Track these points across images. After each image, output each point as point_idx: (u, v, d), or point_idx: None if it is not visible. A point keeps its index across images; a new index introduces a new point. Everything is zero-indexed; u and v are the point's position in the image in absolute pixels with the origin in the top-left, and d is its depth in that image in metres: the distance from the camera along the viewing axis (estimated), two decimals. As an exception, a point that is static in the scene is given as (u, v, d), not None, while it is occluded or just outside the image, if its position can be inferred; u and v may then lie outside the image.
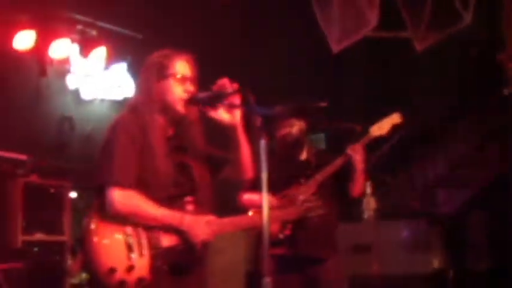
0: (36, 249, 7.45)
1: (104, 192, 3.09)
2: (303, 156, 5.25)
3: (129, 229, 3.08)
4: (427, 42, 7.09)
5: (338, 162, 5.03)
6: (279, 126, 5.12)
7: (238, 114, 3.36)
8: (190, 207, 3.27)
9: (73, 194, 8.05)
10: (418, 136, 7.74)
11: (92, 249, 3.01)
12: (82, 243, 3.05)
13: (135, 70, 8.88)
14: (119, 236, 3.07)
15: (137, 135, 3.20)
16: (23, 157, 6.63)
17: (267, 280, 2.97)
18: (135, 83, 8.80)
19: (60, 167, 8.05)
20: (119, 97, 8.96)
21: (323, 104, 5.10)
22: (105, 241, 3.04)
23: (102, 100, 8.98)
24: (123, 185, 3.09)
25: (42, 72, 8.34)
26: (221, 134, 3.44)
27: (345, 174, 5.07)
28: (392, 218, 7.61)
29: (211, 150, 3.50)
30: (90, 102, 8.93)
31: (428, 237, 7.77)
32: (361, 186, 5.11)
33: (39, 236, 7.55)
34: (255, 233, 5.50)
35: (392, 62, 8.33)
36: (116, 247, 3.04)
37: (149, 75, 3.38)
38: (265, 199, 3.00)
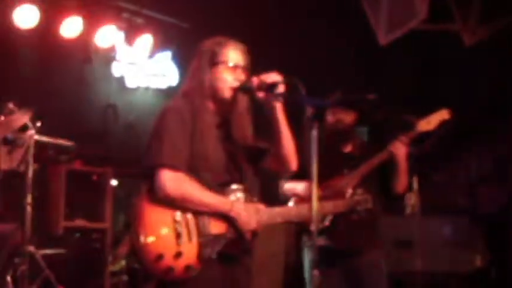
0: (77, 235, 7.50)
1: (153, 175, 3.07)
2: (349, 147, 5.20)
3: (177, 215, 3.06)
4: (477, 37, 6.98)
5: (382, 156, 4.96)
6: (330, 113, 5.08)
7: (284, 105, 3.32)
8: (239, 194, 3.23)
9: (114, 182, 8.08)
10: (463, 132, 7.62)
11: (139, 234, 2.99)
12: (129, 228, 3.03)
13: (180, 59, 8.88)
14: (167, 222, 3.04)
15: (188, 120, 3.18)
16: (66, 143, 6.65)
17: (315, 272, 2.92)
18: (182, 70, 8.83)
19: (102, 154, 8.09)
20: (163, 86, 8.97)
21: (372, 97, 5.04)
22: (153, 227, 3.02)
23: (146, 88, 8.99)
24: (173, 167, 3.07)
25: (88, 59, 8.38)
26: (265, 124, 3.41)
27: (388, 169, 5.00)
28: (435, 214, 7.52)
29: (256, 139, 3.46)
30: (134, 90, 8.95)
31: (471, 235, 7.67)
32: (404, 182, 5.04)
33: (80, 223, 7.61)
34: (294, 224, 5.47)
35: (439, 56, 8.20)
36: (164, 233, 3.02)
37: (201, 62, 3.36)
38: (314, 191, 2.96)
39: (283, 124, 3.33)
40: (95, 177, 7.82)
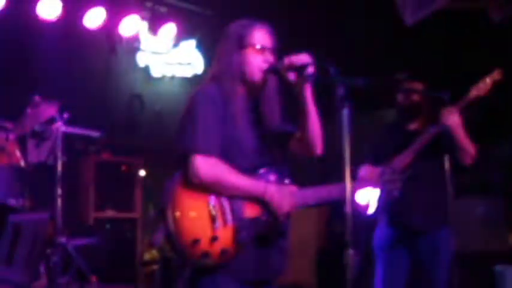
0: (108, 225, 7.54)
1: (187, 160, 3.05)
2: (415, 124, 5.10)
3: (212, 199, 3.04)
4: (505, 13, 6.85)
5: (433, 130, 4.84)
6: (399, 91, 5.04)
7: (313, 87, 3.27)
8: (272, 177, 3.21)
9: (142, 172, 8.10)
10: (497, 109, 7.51)
11: (174, 220, 2.96)
12: (164, 214, 3.00)
13: (204, 47, 8.86)
14: (202, 207, 3.01)
15: (219, 104, 3.15)
16: (95, 134, 6.66)
17: (350, 252, 2.88)
18: (207, 58, 8.82)
19: (131, 145, 8.11)
20: (188, 74, 8.95)
21: (403, 77, 4.97)
22: (188, 212, 2.99)
23: (172, 77, 8.98)
24: (207, 152, 3.04)
25: (112, 50, 8.40)
26: (292, 106, 3.37)
27: (449, 142, 4.84)
28: (470, 193, 7.44)
29: (284, 122, 3.43)
30: (160, 79, 8.95)
31: (505, 214, 7.58)
32: (470, 152, 4.80)
33: (110, 213, 7.65)
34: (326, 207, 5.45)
35: (466, 34, 8.08)
36: (199, 218, 2.99)
37: (228, 45, 3.32)
38: (347, 171, 2.91)
39: (311, 107, 3.29)
40: (123, 168, 7.85)
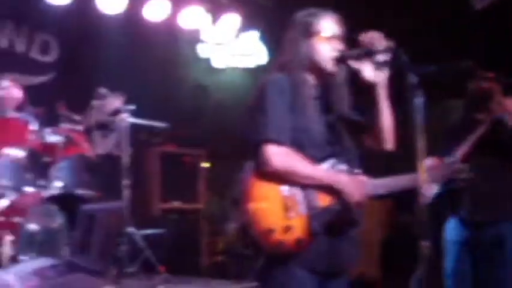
0: (173, 216, 7.61)
1: (258, 150, 3.04)
2: (483, 114, 5.00)
3: (285, 189, 3.03)
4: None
5: (492, 119, 4.75)
6: (471, 80, 4.96)
7: (385, 75, 3.23)
8: (341, 167, 3.18)
9: (206, 164, 8.15)
10: None
11: (248, 210, 2.97)
12: (238, 205, 3.01)
13: (267, 37, 8.85)
14: (275, 196, 3.00)
15: (289, 93, 3.13)
16: (160, 125, 6.73)
17: (425, 244, 2.85)
18: (270, 48, 8.82)
19: (195, 136, 8.17)
20: (251, 65, 8.95)
21: (470, 64, 4.87)
22: (262, 201, 2.99)
23: (234, 68, 9.00)
24: (278, 141, 3.02)
25: (175, 41, 8.45)
26: (364, 97, 3.33)
27: None
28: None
29: (353, 111, 3.39)
30: (222, 70, 8.98)
31: None
32: None
33: (176, 204, 7.71)
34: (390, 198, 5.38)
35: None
36: (273, 207, 2.98)
37: (296, 34, 3.29)
38: (420, 160, 2.87)
39: (383, 98, 3.25)
40: (188, 159, 7.91)
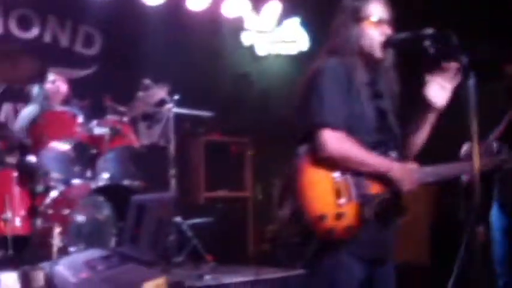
0: (219, 205, 7.62)
1: (313, 135, 3.02)
2: None
3: (337, 175, 3.01)
4: None
5: None
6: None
7: (447, 95, 3.17)
8: (392, 154, 3.15)
9: (250, 151, 8.14)
10: None
11: (300, 196, 2.96)
12: (290, 190, 2.99)
13: (309, 23, 8.80)
14: (327, 182, 2.99)
15: (343, 79, 3.11)
16: (205, 115, 6.74)
17: (480, 229, 2.80)
18: (312, 35, 8.77)
19: (239, 124, 8.16)
20: (294, 52, 8.91)
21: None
22: (314, 187, 2.98)
23: (277, 55, 8.97)
24: (335, 126, 3.00)
25: (217, 30, 8.45)
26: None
27: None
28: None
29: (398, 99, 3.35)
30: (265, 58, 8.96)
31: None
32: None
33: (221, 193, 7.72)
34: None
35: None
36: (325, 193, 2.96)
37: (345, 19, 3.26)
38: (475, 147, 2.81)
39: (431, 121, 3.19)
40: (233, 147, 7.91)
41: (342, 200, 2.95)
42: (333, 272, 3.03)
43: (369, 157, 3.03)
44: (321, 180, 2.99)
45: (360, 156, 3.01)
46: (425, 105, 3.16)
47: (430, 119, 3.19)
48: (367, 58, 3.20)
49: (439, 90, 3.13)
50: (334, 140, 2.97)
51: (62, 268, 3.19)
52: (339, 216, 2.92)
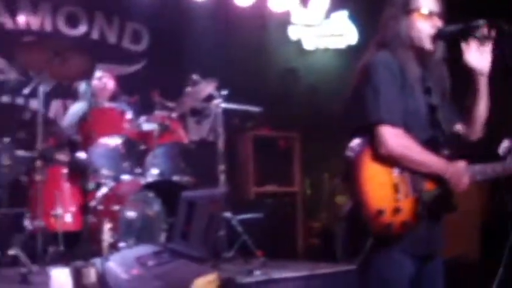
0: (269, 200, 7.60)
1: (371, 131, 2.99)
2: None
3: (395, 171, 2.97)
4: None
5: None
6: None
7: (489, 60, 3.10)
8: (444, 151, 3.10)
9: (298, 146, 8.12)
10: None
11: (359, 190, 2.92)
12: (347, 184, 2.97)
13: (357, 17, 8.72)
14: (385, 177, 2.94)
15: (397, 74, 3.06)
16: (254, 109, 6.72)
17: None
18: (360, 28, 8.69)
19: (286, 119, 8.14)
20: (342, 45, 8.84)
21: None
22: (373, 181, 2.93)
23: (325, 50, 8.90)
24: (393, 123, 2.97)
25: (264, 24, 8.44)
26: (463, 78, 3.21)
27: None
28: None
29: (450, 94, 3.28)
30: (313, 52, 8.90)
31: None
32: None
33: (271, 188, 7.71)
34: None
35: None
36: (383, 188, 2.92)
37: (394, 11, 3.21)
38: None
39: (484, 86, 3.13)
40: (281, 142, 7.89)
41: (400, 195, 2.92)
42: (385, 268, 3.00)
43: (427, 158, 2.98)
44: (379, 175, 2.95)
45: (418, 156, 2.96)
46: (471, 74, 3.10)
47: (481, 86, 3.11)
48: (418, 51, 3.14)
49: (478, 55, 3.07)
50: (394, 138, 2.93)
51: (114, 264, 3.20)
52: (396, 211, 2.88)
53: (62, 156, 5.67)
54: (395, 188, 2.92)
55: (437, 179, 2.99)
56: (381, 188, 2.92)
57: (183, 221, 3.85)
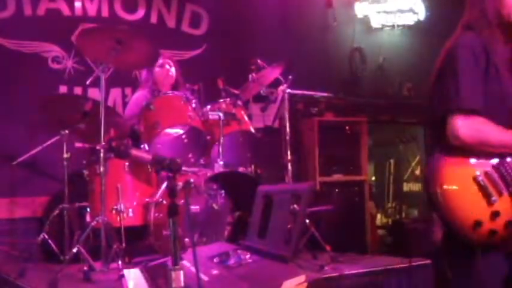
0: (336, 190, 7.57)
1: (447, 121, 2.98)
2: None
3: (477, 172, 2.94)
4: None
5: None
6: None
7: None
8: None
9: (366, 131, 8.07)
10: None
11: (447, 210, 2.91)
12: (431, 196, 2.95)
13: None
14: (471, 184, 2.93)
15: (481, 56, 3.02)
16: (318, 95, 6.71)
17: None
18: (429, 3, 8.62)
19: (354, 103, 8.08)
20: (410, 22, 8.78)
21: None
22: (459, 195, 2.92)
23: (393, 27, 8.85)
24: (471, 110, 2.93)
25: (329, 2, 8.42)
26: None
27: None
28: None
29: None
30: (380, 30, 8.86)
31: None
32: None
33: (337, 177, 7.65)
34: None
35: None
36: (473, 198, 2.91)
37: None
38: None
39: None
40: (347, 128, 7.80)
41: (493, 197, 2.90)
42: (481, 270, 3.00)
43: (507, 137, 2.96)
44: (463, 183, 2.93)
45: (497, 138, 2.94)
46: None
47: None
48: (508, 30, 3.11)
49: None
50: (466, 127, 2.91)
51: (188, 264, 3.22)
52: (494, 215, 2.87)
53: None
54: (485, 192, 2.90)
55: None
56: (469, 198, 2.90)
57: (260, 217, 3.83)
